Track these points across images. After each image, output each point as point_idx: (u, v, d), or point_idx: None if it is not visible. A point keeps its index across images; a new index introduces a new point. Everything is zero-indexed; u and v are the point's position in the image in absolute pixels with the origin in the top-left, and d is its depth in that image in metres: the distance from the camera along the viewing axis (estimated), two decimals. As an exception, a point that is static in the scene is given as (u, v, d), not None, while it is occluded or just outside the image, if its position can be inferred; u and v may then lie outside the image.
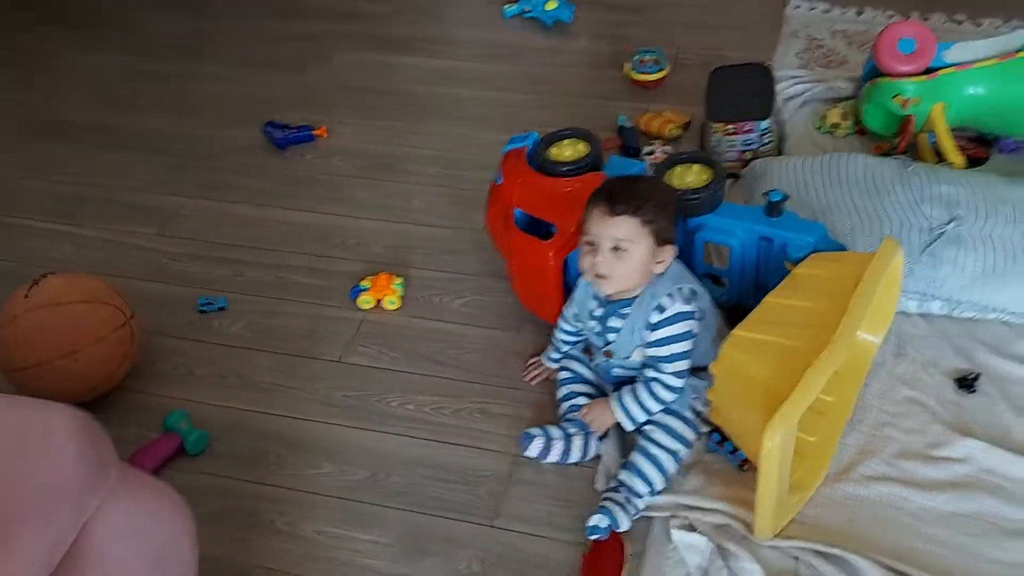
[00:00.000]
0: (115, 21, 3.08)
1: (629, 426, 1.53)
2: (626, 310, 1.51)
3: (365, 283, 1.94)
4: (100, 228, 2.20)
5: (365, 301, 1.92)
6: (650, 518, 1.46)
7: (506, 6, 2.87)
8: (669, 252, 1.48)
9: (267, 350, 1.86)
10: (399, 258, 2.03)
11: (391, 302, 1.91)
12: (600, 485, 1.52)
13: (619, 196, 1.43)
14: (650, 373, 1.50)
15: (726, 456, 1.52)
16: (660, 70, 2.44)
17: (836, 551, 1.35)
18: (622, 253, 1.44)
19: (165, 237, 2.16)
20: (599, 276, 1.46)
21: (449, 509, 1.54)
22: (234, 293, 1.99)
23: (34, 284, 1.71)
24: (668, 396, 1.50)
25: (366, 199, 2.22)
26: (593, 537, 1.42)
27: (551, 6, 2.75)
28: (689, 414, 1.52)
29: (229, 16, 3.04)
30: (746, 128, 2.06)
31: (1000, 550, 1.36)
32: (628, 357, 1.53)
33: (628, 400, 1.51)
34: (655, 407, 1.50)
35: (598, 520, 1.41)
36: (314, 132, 2.41)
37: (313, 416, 1.73)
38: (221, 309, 1.95)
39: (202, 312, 1.94)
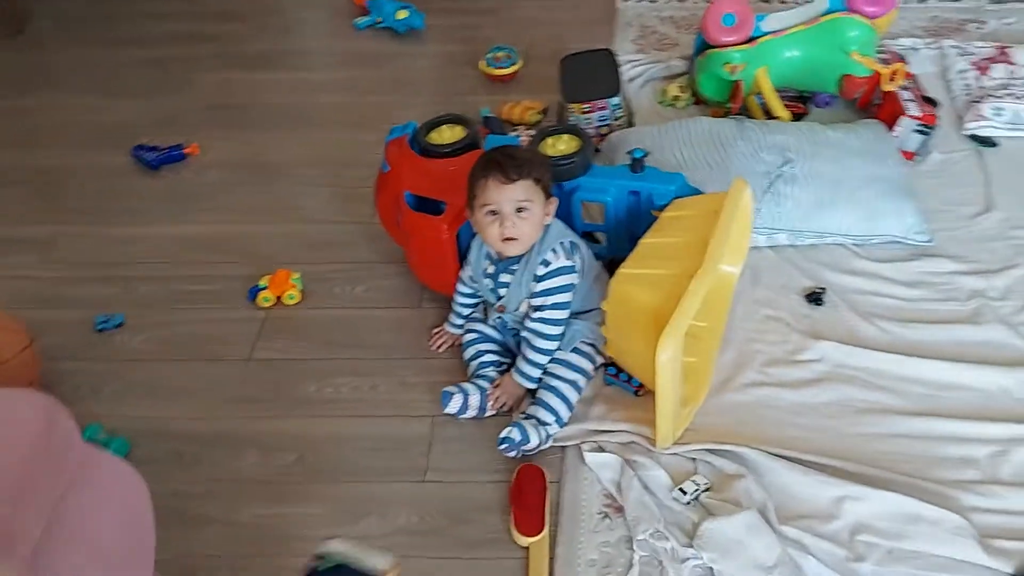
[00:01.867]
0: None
1: (534, 383, 1.68)
2: (515, 266, 1.67)
3: (263, 282, 2.00)
4: (-28, 265, 2.15)
5: (265, 299, 1.98)
6: (563, 448, 1.62)
7: (358, 19, 2.98)
8: (554, 203, 1.66)
9: (173, 359, 1.90)
10: (293, 256, 2.10)
11: (291, 296, 1.99)
12: (515, 426, 1.67)
13: (509, 163, 1.59)
14: (529, 324, 1.66)
15: (622, 386, 1.69)
16: (513, 64, 2.62)
17: (726, 447, 1.56)
18: (525, 213, 1.59)
19: (47, 264, 2.14)
20: (508, 239, 1.61)
21: (380, 474, 1.64)
22: (130, 309, 2.01)
23: (-74, 320, 1.69)
24: (549, 344, 1.66)
25: (250, 206, 2.28)
26: (502, 447, 1.57)
27: (402, 15, 2.89)
28: (584, 348, 1.68)
29: (63, 46, 2.97)
30: (599, 106, 2.27)
31: (855, 425, 1.61)
32: (517, 309, 1.69)
33: (521, 365, 1.67)
34: (543, 357, 1.66)
35: (508, 431, 1.57)
36: (185, 150, 2.44)
37: (231, 414, 1.78)
38: (119, 325, 1.97)
39: (100, 331, 1.95)
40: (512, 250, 1.64)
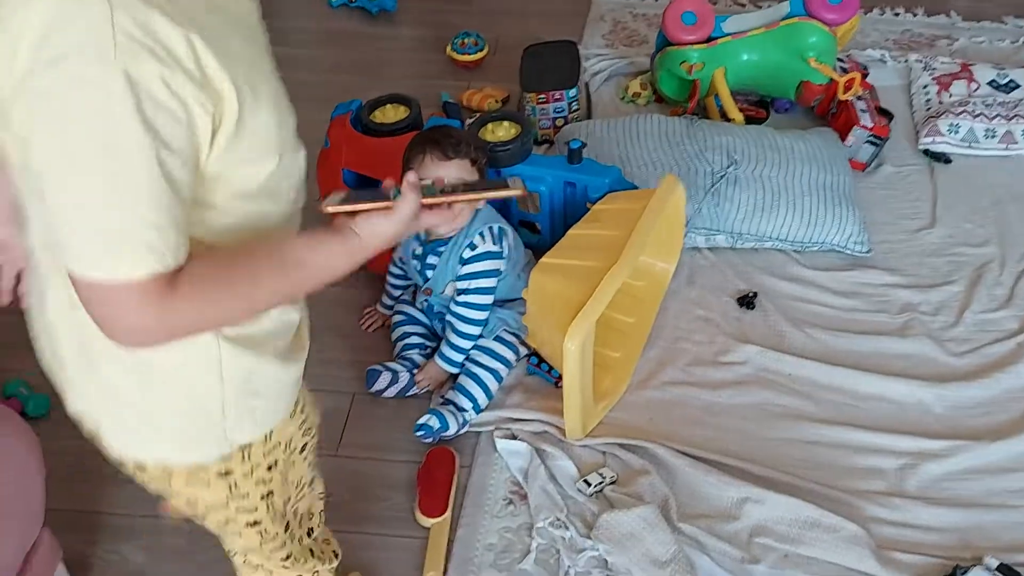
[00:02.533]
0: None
1: (456, 368, 1.68)
2: (442, 248, 1.66)
3: (202, 252, 2.00)
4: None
5: (203, 269, 1.97)
6: (477, 434, 1.62)
7: (333, -4, 2.97)
8: None
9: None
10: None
11: (229, 268, 1.98)
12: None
13: (447, 141, 1.59)
14: (453, 308, 1.65)
15: (543, 376, 1.69)
16: (480, 51, 2.62)
17: (637, 443, 1.55)
18: None
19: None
20: None
21: (293, 447, 1.64)
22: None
23: None
24: (472, 329, 1.66)
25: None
26: (419, 434, 1.57)
27: (375, -5, 2.88)
28: (507, 337, 1.68)
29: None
30: (556, 97, 2.26)
31: (769, 430, 1.61)
32: (443, 292, 1.69)
33: (444, 349, 1.67)
34: (465, 342, 1.66)
35: (427, 419, 1.57)
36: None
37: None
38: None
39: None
40: (443, 228, 1.64)
